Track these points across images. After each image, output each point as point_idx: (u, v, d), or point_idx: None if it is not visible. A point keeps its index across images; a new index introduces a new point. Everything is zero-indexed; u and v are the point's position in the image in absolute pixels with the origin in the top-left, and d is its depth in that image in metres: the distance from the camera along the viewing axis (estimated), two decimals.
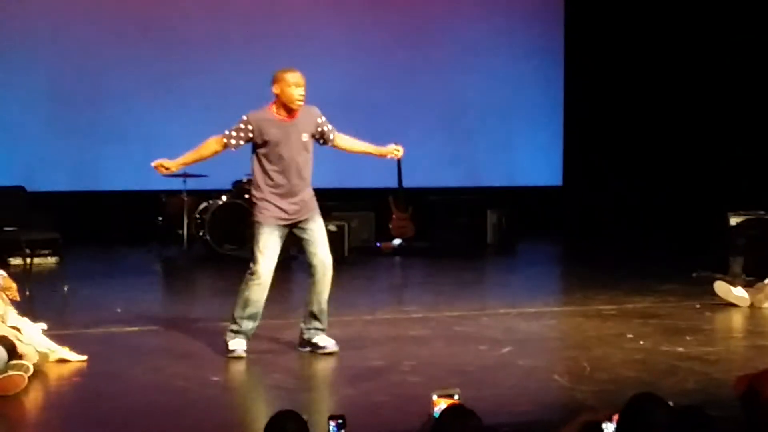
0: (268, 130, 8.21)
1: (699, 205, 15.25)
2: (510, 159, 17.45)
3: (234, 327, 8.17)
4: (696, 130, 16.17)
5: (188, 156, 8.56)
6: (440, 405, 5.49)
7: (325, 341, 8.19)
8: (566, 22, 17.59)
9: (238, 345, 8.09)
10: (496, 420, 5.89)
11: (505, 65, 17.35)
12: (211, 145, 8.44)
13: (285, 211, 8.22)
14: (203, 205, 14.46)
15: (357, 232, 14.71)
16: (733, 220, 12.49)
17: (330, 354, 8.11)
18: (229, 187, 14.75)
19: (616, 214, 16.72)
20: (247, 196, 8.36)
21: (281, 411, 4.59)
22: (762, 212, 12.47)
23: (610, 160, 17.09)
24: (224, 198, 14.49)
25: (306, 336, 8.27)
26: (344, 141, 8.47)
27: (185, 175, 14.33)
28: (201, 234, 14.36)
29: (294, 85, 8.17)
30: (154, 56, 15.79)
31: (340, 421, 4.91)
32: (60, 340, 8.10)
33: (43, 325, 8.16)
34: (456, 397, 5.53)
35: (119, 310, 10.13)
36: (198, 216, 14.41)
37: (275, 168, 8.22)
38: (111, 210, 15.30)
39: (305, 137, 8.21)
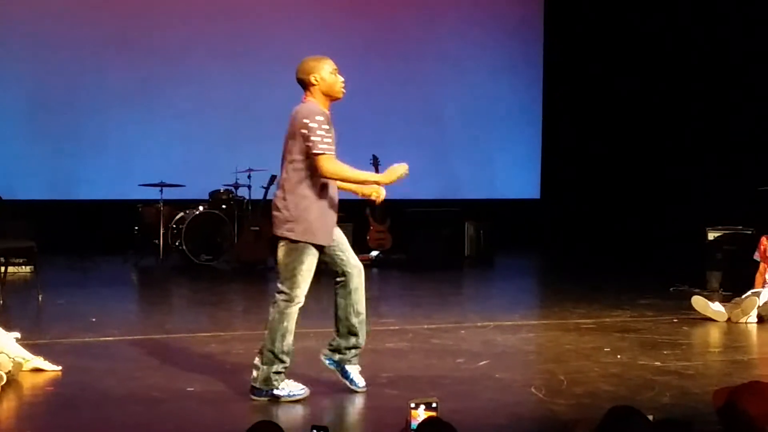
0: (332, 127, 7.03)
1: (677, 220, 15.27)
2: (488, 172, 17.47)
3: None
4: (674, 145, 16.21)
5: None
6: (418, 414, 5.46)
7: (359, 377, 7.33)
8: (546, 38, 17.66)
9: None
10: None
11: (484, 79, 17.38)
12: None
13: (331, 226, 7.16)
14: (180, 215, 14.43)
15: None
16: (711, 235, 12.53)
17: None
18: (205, 197, 14.72)
19: (593, 227, 16.73)
20: (279, 207, 6.98)
21: (260, 422, 4.55)
22: (740, 227, 12.50)
23: (588, 173, 17.13)
24: (201, 208, 14.46)
25: (339, 357, 7.32)
26: None
27: (162, 185, 14.31)
28: (177, 244, 14.31)
29: (334, 71, 7.17)
30: (131, 66, 15.76)
31: None
32: (34, 349, 8.04)
33: (17, 334, 8.09)
34: (434, 405, 5.49)
35: (94, 319, 10.07)
36: (174, 226, 14.37)
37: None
38: (87, 219, 15.26)
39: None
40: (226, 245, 14.50)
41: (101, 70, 15.66)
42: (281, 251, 6.97)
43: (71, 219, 15.22)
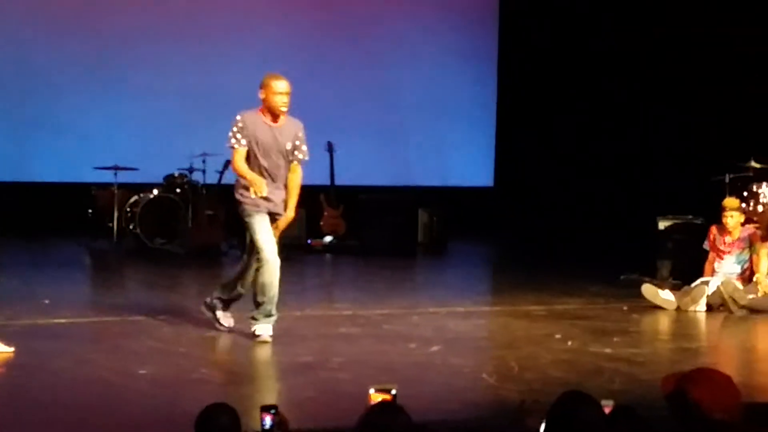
0: (257, 131, 8.46)
1: (628, 209, 15.38)
2: (442, 159, 17.51)
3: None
4: (627, 134, 16.31)
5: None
6: (377, 400, 5.50)
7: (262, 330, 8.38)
8: (500, 23, 17.69)
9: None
10: (424, 418, 5.89)
11: (438, 65, 17.40)
12: (242, 161, 8.47)
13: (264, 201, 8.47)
14: (134, 198, 14.38)
15: (288, 229, 14.64)
16: (662, 224, 12.62)
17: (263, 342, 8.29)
18: (160, 180, 14.68)
19: (546, 215, 16.82)
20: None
21: (213, 404, 4.55)
22: (690, 216, 12.61)
23: (541, 162, 17.21)
24: (155, 192, 14.42)
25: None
26: (291, 176, 8.61)
27: (116, 168, 14.26)
28: (131, 227, 14.27)
29: (278, 93, 8.43)
30: (87, 47, 15.67)
31: (273, 411, 4.87)
32: None
33: None
34: (393, 392, 5.53)
35: (47, 301, 10.03)
36: (128, 209, 14.32)
37: (257, 169, 8.41)
38: (40, 201, 15.15)
39: (288, 145, 8.47)
40: (180, 229, 14.46)
41: (56, 50, 15.55)
42: None
43: (24, 201, 15.12)
